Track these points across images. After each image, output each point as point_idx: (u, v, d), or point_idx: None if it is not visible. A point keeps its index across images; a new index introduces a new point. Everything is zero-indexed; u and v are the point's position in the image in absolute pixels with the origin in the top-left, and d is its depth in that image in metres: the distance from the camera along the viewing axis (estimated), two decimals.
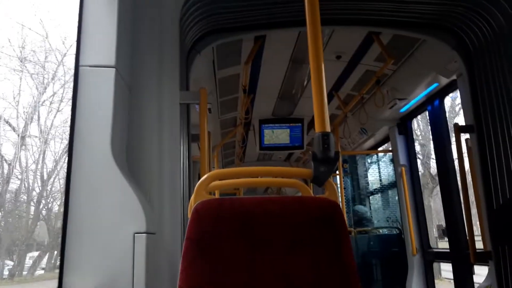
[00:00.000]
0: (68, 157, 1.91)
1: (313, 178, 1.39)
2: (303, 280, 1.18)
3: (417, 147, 13.21)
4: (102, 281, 1.72)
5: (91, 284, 1.70)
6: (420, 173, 5.26)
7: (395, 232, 5.61)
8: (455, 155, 4.05)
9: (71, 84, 1.97)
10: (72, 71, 2.00)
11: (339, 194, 5.42)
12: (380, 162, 6.47)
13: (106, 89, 1.90)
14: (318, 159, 1.38)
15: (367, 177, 6.86)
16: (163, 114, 2.25)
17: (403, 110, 4.69)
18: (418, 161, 5.45)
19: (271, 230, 1.21)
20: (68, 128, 1.97)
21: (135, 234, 1.76)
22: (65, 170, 2.02)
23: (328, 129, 1.44)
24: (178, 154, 2.34)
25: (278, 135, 5.81)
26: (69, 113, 1.98)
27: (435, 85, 4.01)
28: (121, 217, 1.80)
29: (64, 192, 1.89)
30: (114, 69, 1.93)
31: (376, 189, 6.60)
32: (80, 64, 1.94)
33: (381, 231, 6.01)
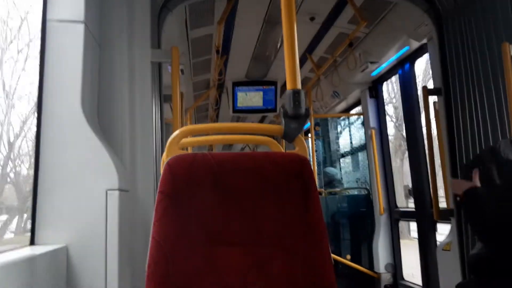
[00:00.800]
0: (38, 115, 1.88)
1: (284, 134, 1.42)
2: (272, 230, 1.23)
3: (391, 110, 13.44)
4: (75, 237, 1.73)
5: (64, 239, 1.72)
6: (392, 136, 5.39)
7: (363, 192, 5.79)
8: (423, 118, 4.16)
9: (38, 42, 1.91)
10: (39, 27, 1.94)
11: (311, 157, 5.52)
12: (351, 126, 6.59)
13: (75, 45, 1.85)
14: (288, 115, 1.40)
15: (338, 140, 6.99)
16: (134, 72, 2.22)
17: (374, 73, 4.75)
18: (392, 124, 5.58)
19: (242, 182, 1.24)
20: (36, 88, 1.93)
21: (108, 191, 1.77)
22: (34, 131, 1.98)
23: (299, 86, 1.46)
24: (150, 113, 2.33)
25: (251, 98, 5.80)
26: (37, 70, 1.93)
27: (406, 48, 4.07)
28: (93, 174, 1.80)
29: (34, 150, 1.87)
30: (83, 24, 1.88)
31: (346, 151, 6.75)
32: (48, 19, 1.87)
33: (350, 192, 6.19)
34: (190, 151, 3.45)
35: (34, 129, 2.30)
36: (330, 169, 6.67)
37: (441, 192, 3.64)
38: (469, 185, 2.06)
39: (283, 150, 1.62)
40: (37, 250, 1.59)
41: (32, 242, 1.75)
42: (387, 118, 5.82)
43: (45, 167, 1.81)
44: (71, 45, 1.87)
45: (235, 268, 1.19)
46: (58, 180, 1.80)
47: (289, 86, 1.46)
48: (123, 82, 2.15)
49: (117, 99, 2.13)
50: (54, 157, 1.82)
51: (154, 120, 2.46)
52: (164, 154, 1.44)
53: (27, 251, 1.58)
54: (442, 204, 3.59)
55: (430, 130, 3.46)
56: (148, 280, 1.15)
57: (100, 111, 2.09)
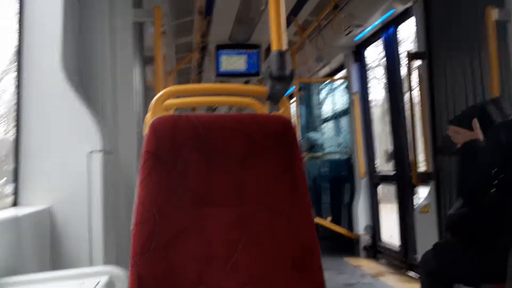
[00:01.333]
0: (17, 77, 1.83)
1: (269, 96, 1.42)
2: (256, 190, 1.24)
3: (381, 72, 13.40)
4: (58, 199, 1.73)
5: (47, 201, 1.71)
6: (382, 99, 5.40)
7: (344, 157, 5.87)
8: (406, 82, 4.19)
9: None
10: None
11: (295, 121, 5.54)
12: (334, 91, 6.59)
13: (54, 2, 1.79)
14: (273, 76, 1.40)
15: (321, 105, 7.00)
16: (115, 32, 2.16)
17: (358, 37, 4.72)
18: (381, 86, 5.58)
19: (226, 143, 1.25)
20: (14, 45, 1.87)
21: (90, 153, 1.76)
22: (10, 90, 1.93)
23: (285, 47, 1.45)
24: (131, 73, 2.29)
25: (235, 61, 5.72)
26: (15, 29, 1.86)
27: (391, 11, 4.04)
28: (75, 136, 1.79)
29: (15, 112, 1.83)
30: None
31: (329, 116, 6.78)
32: None
33: (332, 156, 6.26)
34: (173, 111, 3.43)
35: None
36: (312, 135, 6.72)
37: (421, 156, 3.72)
38: (470, 135, 1.99)
39: (267, 112, 1.62)
40: (21, 211, 1.59)
41: (15, 204, 1.74)
42: (376, 81, 5.84)
43: (26, 130, 1.78)
44: (50, 2, 1.80)
45: (220, 226, 1.21)
46: (40, 142, 1.78)
47: (274, 47, 1.45)
48: (104, 42, 2.10)
49: (98, 59, 2.08)
50: (35, 119, 1.79)
51: (136, 82, 2.43)
52: (148, 114, 1.43)
53: (11, 212, 1.58)
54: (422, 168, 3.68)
55: (411, 94, 3.50)
56: (134, 239, 1.16)
57: (81, 72, 2.05)
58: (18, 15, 1.84)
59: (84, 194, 1.74)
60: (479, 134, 1.97)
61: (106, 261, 1.73)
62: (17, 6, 1.83)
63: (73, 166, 1.75)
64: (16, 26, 1.83)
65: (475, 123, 1.99)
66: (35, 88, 1.79)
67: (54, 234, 1.70)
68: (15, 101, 1.84)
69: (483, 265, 1.89)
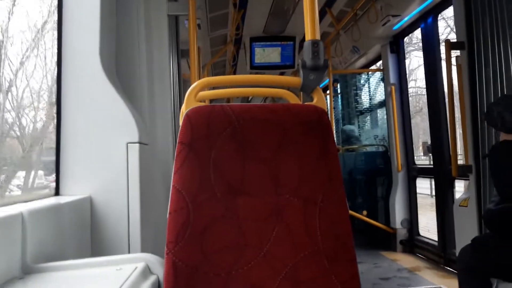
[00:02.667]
0: (57, 69, 1.89)
1: (302, 86, 1.41)
2: (290, 180, 1.24)
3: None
4: (98, 188, 1.79)
5: (88, 190, 1.77)
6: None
7: (381, 149, 5.77)
8: (445, 73, 4.06)
9: None
10: None
11: (329, 113, 5.48)
12: (370, 82, 6.48)
13: None
14: (307, 66, 1.39)
15: (357, 96, 6.90)
16: (151, 25, 2.20)
17: (396, 27, 4.61)
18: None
19: (260, 133, 1.25)
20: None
21: (128, 144, 1.81)
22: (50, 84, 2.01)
23: (318, 37, 1.43)
24: (168, 67, 2.33)
25: (269, 53, 5.72)
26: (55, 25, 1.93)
27: (429, 0, 3.92)
28: (113, 128, 1.83)
29: (56, 103, 1.90)
30: None
31: (365, 108, 6.67)
32: None
33: (368, 148, 6.17)
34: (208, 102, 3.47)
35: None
36: (348, 126, 6.64)
37: (460, 149, 3.60)
38: (504, 136, 2.05)
39: (301, 103, 1.61)
40: (62, 199, 1.65)
41: (57, 193, 1.81)
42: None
43: (67, 122, 1.84)
44: None
45: (253, 215, 1.22)
46: (80, 134, 1.84)
47: (307, 37, 1.44)
48: (140, 35, 2.14)
49: (135, 52, 2.12)
50: (75, 111, 1.85)
51: (172, 74, 2.47)
52: (183, 106, 1.45)
53: (53, 200, 1.64)
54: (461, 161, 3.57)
55: (452, 85, 3.39)
56: (169, 227, 1.19)
57: (118, 65, 2.10)
58: (58, 12, 1.90)
59: (123, 183, 1.79)
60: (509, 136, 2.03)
61: (144, 249, 1.78)
62: (56, 2, 1.89)
63: (112, 157, 1.81)
64: (56, 21, 1.90)
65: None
66: (74, 82, 1.85)
67: (94, 222, 1.77)
68: (56, 93, 1.90)
69: None
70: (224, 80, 1.55)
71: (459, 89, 3.37)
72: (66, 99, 1.86)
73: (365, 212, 5.32)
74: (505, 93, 2.87)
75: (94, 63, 1.84)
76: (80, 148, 1.83)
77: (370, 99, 6.52)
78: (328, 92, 5.58)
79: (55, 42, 1.92)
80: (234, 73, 6.93)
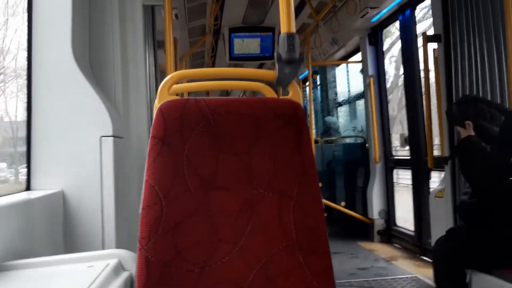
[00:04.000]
0: (28, 61, 1.84)
1: (277, 80, 1.39)
2: (264, 174, 1.24)
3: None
4: (71, 182, 1.75)
5: (59, 185, 1.73)
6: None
7: (359, 141, 5.82)
8: (422, 65, 4.10)
9: None
10: None
11: (308, 105, 5.50)
12: (349, 74, 6.51)
13: None
14: (282, 60, 1.37)
15: (336, 88, 6.93)
16: (125, 15, 2.15)
17: (374, 19, 4.63)
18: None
19: (234, 127, 1.24)
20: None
21: (102, 138, 1.77)
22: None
23: (294, 29, 1.42)
24: (143, 59, 2.28)
25: (248, 44, 5.68)
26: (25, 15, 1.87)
27: None
28: (87, 121, 1.79)
29: (26, 97, 1.85)
30: None
31: (344, 100, 6.71)
32: None
33: (347, 140, 6.22)
34: (186, 94, 3.43)
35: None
36: (329, 118, 6.67)
37: (436, 140, 3.66)
38: (464, 133, 2.10)
39: (276, 96, 1.60)
40: (33, 194, 1.61)
41: (28, 188, 1.77)
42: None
43: (38, 114, 1.79)
44: None
45: (227, 209, 1.21)
46: (52, 127, 1.79)
47: (283, 30, 1.42)
48: (114, 25, 2.08)
49: (109, 43, 2.07)
50: (47, 104, 1.80)
51: (148, 66, 2.42)
52: (156, 99, 1.42)
53: (24, 195, 1.60)
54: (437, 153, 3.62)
55: (428, 77, 3.43)
56: (141, 223, 1.17)
57: (91, 57, 2.05)
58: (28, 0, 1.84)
59: (96, 178, 1.76)
60: (470, 132, 2.11)
61: (118, 245, 1.75)
62: None
63: (85, 150, 1.77)
64: (26, 10, 1.84)
65: (468, 125, 2.12)
66: (46, 73, 1.80)
67: (67, 218, 1.73)
68: (26, 85, 1.85)
69: (495, 251, 1.88)
70: (198, 73, 1.53)
71: (435, 81, 3.41)
72: (37, 90, 1.80)
73: (343, 203, 5.38)
74: (480, 86, 2.91)
75: (65, 54, 1.79)
76: (52, 141, 1.78)
77: (349, 91, 6.56)
78: (307, 83, 5.58)
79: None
80: (213, 64, 6.88)
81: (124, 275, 1.22)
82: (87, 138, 1.78)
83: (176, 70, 3.11)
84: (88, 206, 1.75)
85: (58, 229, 1.68)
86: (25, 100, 1.84)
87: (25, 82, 1.86)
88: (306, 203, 1.24)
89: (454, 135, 3.22)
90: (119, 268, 1.23)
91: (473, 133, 2.10)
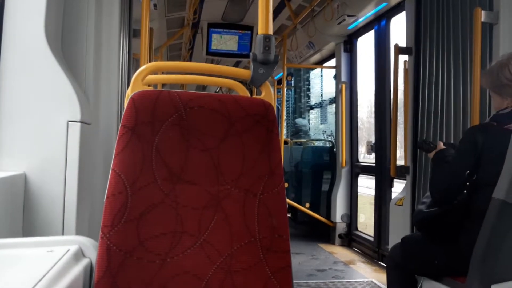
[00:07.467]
0: None
1: (251, 79, 1.42)
2: (232, 171, 1.26)
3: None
4: (34, 166, 1.72)
5: (23, 166, 1.70)
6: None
7: (328, 145, 5.91)
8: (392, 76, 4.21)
9: None
10: None
11: (282, 106, 5.55)
12: (323, 78, 6.60)
13: None
14: (257, 60, 1.40)
15: (309, 91, 7.02)
16: (102, 0, 2.12)
17: (351, 27, 4.72)
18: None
19: (206, 122, 1.25)
20: None
21: (69, 122, 1.75)
22: None
23: (271, 31, 1.44)
24: (117, 45, 2.25)
25: (226, 41, 5.68)
26: None
27: (384, 4, 4.04)
28: (55, 105, 1.76)
29: None
30: None
31: (316, 103, 6.80)
32: None
33: (315, 143, 6.31)
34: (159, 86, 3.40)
35: None
36: (300, 120, 6.75)
37: (401, 152, 3.76)
38: (438, 147, 2.19)
39: (249, 95, 1.62)
40: None
41: None
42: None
43: (4, 94, 1.75)
44: None
45: (193, 203, 1.22)
46: (18, 108, 1.75)
47: (260, 31, 1.45)
48: (89, 10, 2.05)
49: (83, 27, 2.04)
50: (14, 84, 1.76)
51: (121, 54, 2.39)
52: (129, 89, 1.42)
53: None
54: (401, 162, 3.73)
55: (397, 88, 3.53)
56: (105, 211, 1.17)
57: (64, 40, 2.01)
58: None
59: (61, 163, 1.73)
60: (442, 146, 2.22)
61: (79, 231, 1.73)
62: None
63: (51, 134, 1.74)
64: None
65: (440, 143, 2.25)
66: (15, 53, 1.76)
67: (27, 201, 1.70)
68: None
69: (447, 260, 1.96)
70: (174, 66, 1.53)
71: (404, 92, 3.51)
72: (5, 70, 1.76)
73: (307, 205, 5.45)
74: (444, 99, 3.02)
75: (37, 34, 1.76)
76: (17, 123, 1.74)
77: (321, 95, 6.65)
78: (281, 85, 5.63)
79: None
80: (190, 57, 6.84)
81: (84, 262, 1.21)
82: (53, 122, 1.75)
83: (150, 61, 3.08)
84: (50, 190, 1.72)
85: (18, 212, 1.65)
86: None
87: None
88: (270, 202, 1.27)
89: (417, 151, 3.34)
90: (79, 254, 1.22)
91: (443, 147, 2.20)
